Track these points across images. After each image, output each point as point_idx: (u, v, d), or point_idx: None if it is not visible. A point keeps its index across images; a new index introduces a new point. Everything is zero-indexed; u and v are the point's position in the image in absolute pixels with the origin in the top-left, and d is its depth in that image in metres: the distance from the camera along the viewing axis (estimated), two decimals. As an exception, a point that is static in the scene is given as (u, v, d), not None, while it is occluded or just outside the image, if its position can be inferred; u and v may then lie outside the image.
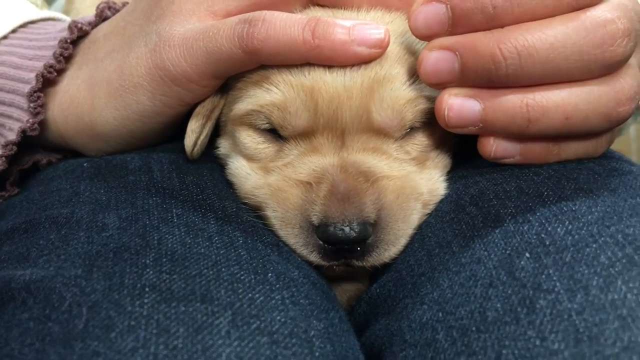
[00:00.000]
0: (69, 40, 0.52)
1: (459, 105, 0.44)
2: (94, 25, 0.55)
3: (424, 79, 0.45)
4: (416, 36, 0.45)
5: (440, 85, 0.45)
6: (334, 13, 0.49)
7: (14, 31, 0.54)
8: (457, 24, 0.42)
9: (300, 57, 0.45)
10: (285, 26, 0.44)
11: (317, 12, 0.49)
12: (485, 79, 0.43)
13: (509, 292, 0.37)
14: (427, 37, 0.44)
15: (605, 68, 0.42)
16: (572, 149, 0.46)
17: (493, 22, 0.42)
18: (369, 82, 0.46)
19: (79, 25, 0.53)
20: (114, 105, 0.50)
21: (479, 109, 0.43)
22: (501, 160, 0.46)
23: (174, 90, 0.49)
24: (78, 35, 0.53)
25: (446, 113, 0.44)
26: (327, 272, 0.49)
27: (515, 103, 0.43)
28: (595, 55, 0.41)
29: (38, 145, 0.56)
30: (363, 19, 0.48)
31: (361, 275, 0.52)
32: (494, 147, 0.45)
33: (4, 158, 0.52)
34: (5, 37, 0.54)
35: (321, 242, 0.46)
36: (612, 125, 0.45)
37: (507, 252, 0.40)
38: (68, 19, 0.58)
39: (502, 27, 0.42)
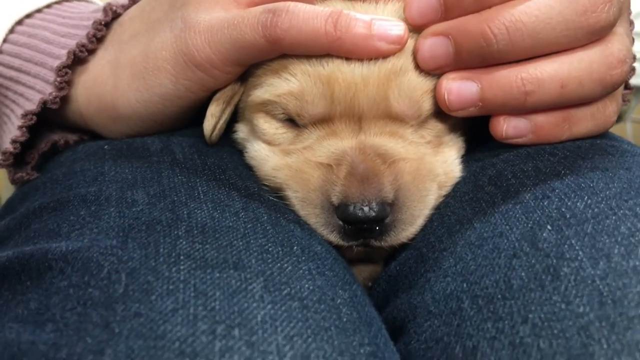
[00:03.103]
0: (102, 22, 0.53)
1: (457, 87, 0.46)
2: (126, 8, 0.56)
3: (422, 65, 0.47)
4: (412, 26, 0.47)
5: (438, 70, 0.47)
6: (354, 5, 0.50)
7: (48, 6, 0.55)
8: (449, 10, 0.45)
9: (322, 48, 0.46)
10: (308, 17, 0.45)
11: (337, 4, 0.50)
12: (479, 57, 0.44)
13: (533, 261, 0.39)
14: (422, 26, 0.46)
15: (592, 34, 0.44)
16: (583, 123, 0.48)
17: (482, 4, 0.44)
18: (386, 73, 0.47)
19: (114, 8, 0.54)
20: (137, 87, 0.51)
21: (477, 89, 0.45)
22: (514, 140, 0.48)
23: (197, 75, 0.49)
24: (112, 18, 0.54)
25: (446, 97, 0.46)
26: (345, 254, 0.50)
27: (511, 78, 0.44)
28: (580, 22, 0.43)
29: (55, 125, 0.56)
30: (382, 12, 0.49)
31: (377, 257, 0.53)
32: (504, 126, 0.47)
33: (24, 129, 0.52)
34: (39, 11, 0.55)
35: (341, 223, 0.47)
36: (608, 90, 0.47)
37: (529, 225, 0.41)
38: (100, 2, 0.59)
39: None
